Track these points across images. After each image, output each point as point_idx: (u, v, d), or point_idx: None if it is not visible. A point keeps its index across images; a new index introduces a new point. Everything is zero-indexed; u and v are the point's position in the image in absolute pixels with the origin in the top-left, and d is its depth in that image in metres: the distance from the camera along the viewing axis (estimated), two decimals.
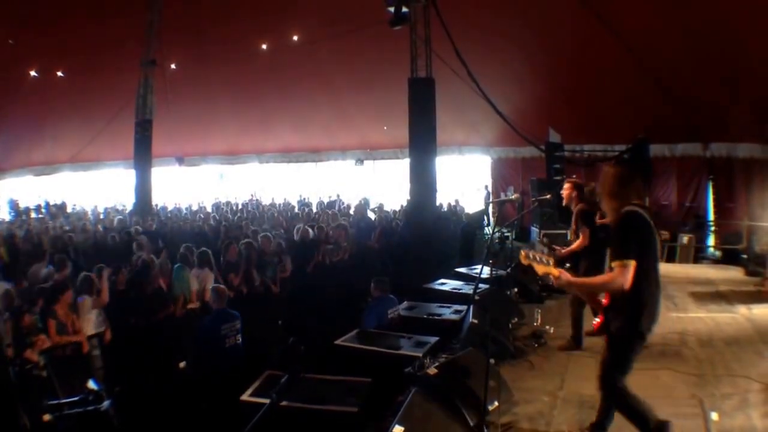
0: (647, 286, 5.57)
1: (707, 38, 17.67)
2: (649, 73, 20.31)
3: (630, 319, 5.61)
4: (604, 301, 5.83)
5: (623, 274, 5.40)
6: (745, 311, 12.00)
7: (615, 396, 5.92)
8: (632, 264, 5.41)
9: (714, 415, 7.04)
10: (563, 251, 10.33)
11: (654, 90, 20.56)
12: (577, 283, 5.92)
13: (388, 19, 19.62)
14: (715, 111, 19.66)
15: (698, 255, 20.30)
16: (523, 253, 5.97)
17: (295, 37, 28.68)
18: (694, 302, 12.91)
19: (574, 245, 10.02)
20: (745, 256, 17.56)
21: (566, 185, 10.48)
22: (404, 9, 19.31)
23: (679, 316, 11.28)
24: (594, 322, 5.98)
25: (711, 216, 21.61)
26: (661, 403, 7.26)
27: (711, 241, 21.15)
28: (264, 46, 29.51)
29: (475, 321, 9.41)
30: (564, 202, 10.49)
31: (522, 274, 13.29)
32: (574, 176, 17.90)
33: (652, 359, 9.09)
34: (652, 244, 5.72)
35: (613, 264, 5.52)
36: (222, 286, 10.60)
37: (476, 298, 9.89)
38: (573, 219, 10.26)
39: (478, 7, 22.81)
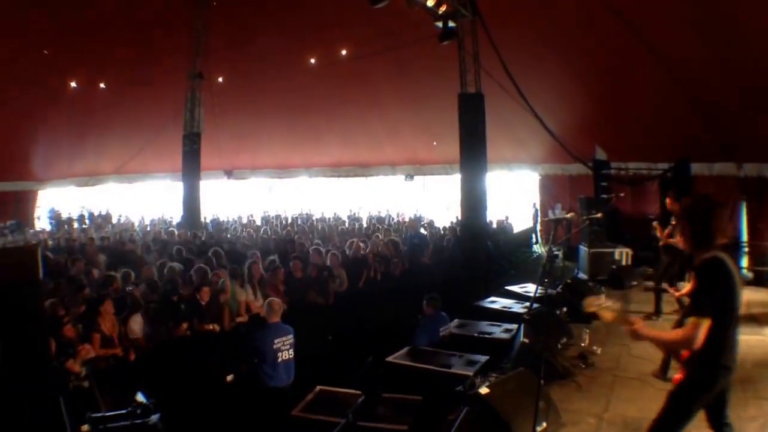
0: (724, 341, 5.26)
1: (743, 57, 17.76)
2: (687, 91, 20.29)
3: (704, 373, 5.30)
4: (684, 353, 5.46)
5: (694, 332, 5.01)
6: None
7: None
8: (706, 323, 5.01)
9: None
10: (677, 293, 10.39)
11: (692, 108, 20.53)
12: (650, 336, 5.43)
13: (437, 34, 19.67)
14: (747, 130, 19.64)
15: None
16: (589, 302, 5.69)
17: (344, 52, 28.80)
18: None
19: (685, 290, 10.02)
20: None
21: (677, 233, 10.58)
22: (451, 24, 19.35)
23: None
24: (675, 377, 5.62)
25: (744, 236, 21.46)
26: (693, 426, 7.34)
27: (744, 262, 20.99)
28: (312, 61, 29.66)
29: (526, 340, 9.44)
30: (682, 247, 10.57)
31: (571, 294, 13.29)
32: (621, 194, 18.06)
33: None
34: (734, 294, 5.30)
35: (690, 319, 5.11)
36: (277, 299, 10.59)
37: (526, 317, 9.93)
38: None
39: (525, 23, 22.85)
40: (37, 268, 6.13)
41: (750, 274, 19.76)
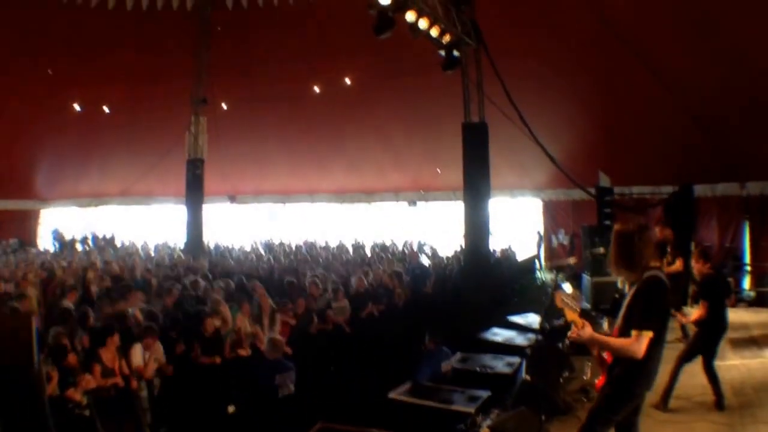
0: (654, 354, 5.55)
1: (744, 77, 17.99)
2: (690, 112, 20.42)
3: (630, 380, 5.59)
4: (607, 358, 5.76)
5: (639, 343, 5.35)
6: None
7: None
8: (649, 335, 5.36)
9: None
10: (685, 320, 10.62)
11: (695, 130, 20.66)
12: (598, 340, 5.76)
13: (440, 62, 19.68)
14: (751, 149, 19.76)
15: (736, 297, 20.08)
16: (559, 296, 6.02)
17: (348, 80, 28.89)
18: (731, 349, 13.01)
19: (694, 316, 10.12)
20: None
21: (693, 259, 10.79)
22: (455, 52, 19.38)
23: (718, 365, 11.28)
24: (597, 380, 5.97)
25: (747, 256, 21.48)
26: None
27: (746, 281, 21.02)
28: (316, 88, 29.76)
29: (528, 377, 9.43)
30: (697, 274, 10.69)
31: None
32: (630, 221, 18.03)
33: (690, 411, 9.48)
34: (667, 314, 5.68)
35: (633, 331, 5.44)
36: (279, 337, 10.59)
37: (528, 353, 9.93)
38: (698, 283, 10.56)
39: (528, 49, 22.99)
40: (31, 342, 6.02)
41: (752, 293, 19.81)
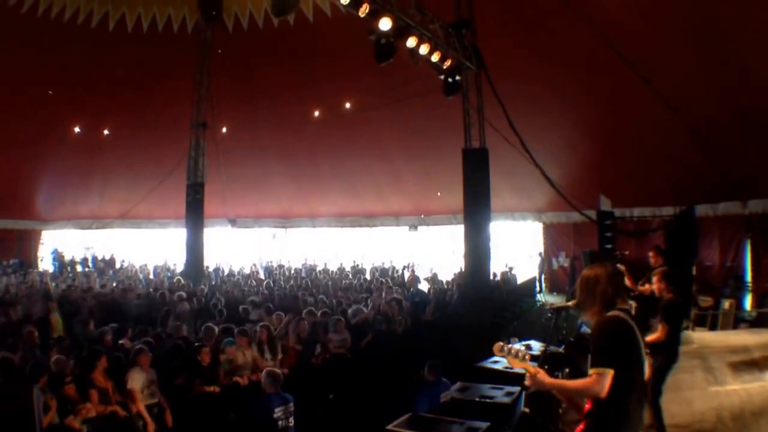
0: (627, 395, 5.27)
1: (744, 95, 18.04)
2: (690, 132, 20.43)
3: (608, 424, 5.27)
4: (586, 406, 5.40)
5: (599, 382, 5.08)
6: None
7: None
8: (610, 373, 5.10)
9: None
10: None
11: (696, 149, 20.68)
12: (554, 384, 5.52)
13: (441, 86, 19.68)
14: (752, 166, 19.74)
15: (737, 317, 19.95)
16: (497, 345, 5.61)
17: (348, 105, 28.94)
18: (731, 373, 12.85)
19: (652, 337, 10.01)
20: None
21: (655, 278, 10.63)
22: (456, 77, 19.37)
23: (717, 391, 11.24)
24: (576, 429, 5.76)
25: (748, 275, 21.37)
26: None
27: (748, 301, 20.94)
28: (317, 113, 29.82)
29: (527, 410, 9.38)
30: (657, 294, 10.56)
31: (574, 352, 13.20)
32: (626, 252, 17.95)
33: None
34: (635, 352, 5.38)
35: (591, 371, 5.18)
36: (277, 370, 10.51)
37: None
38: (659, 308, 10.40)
39: (529, 71, 23.04)
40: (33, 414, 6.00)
41: (753, 313, 19.67)
